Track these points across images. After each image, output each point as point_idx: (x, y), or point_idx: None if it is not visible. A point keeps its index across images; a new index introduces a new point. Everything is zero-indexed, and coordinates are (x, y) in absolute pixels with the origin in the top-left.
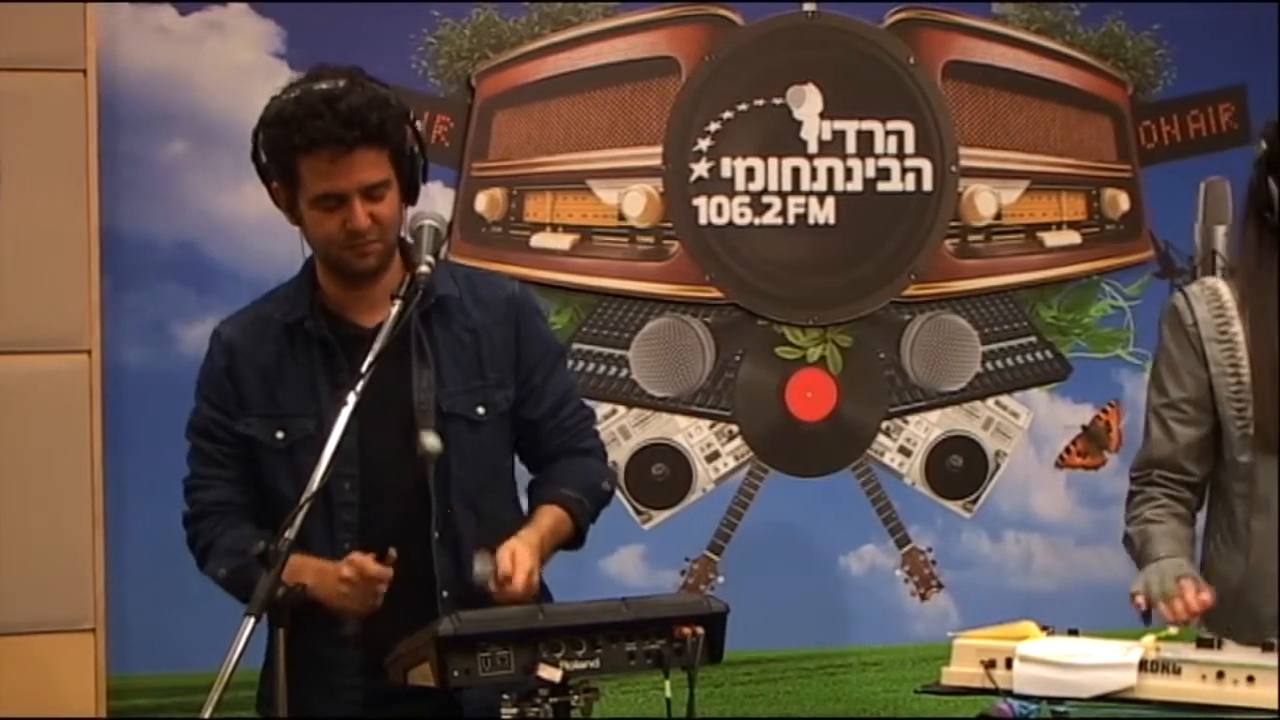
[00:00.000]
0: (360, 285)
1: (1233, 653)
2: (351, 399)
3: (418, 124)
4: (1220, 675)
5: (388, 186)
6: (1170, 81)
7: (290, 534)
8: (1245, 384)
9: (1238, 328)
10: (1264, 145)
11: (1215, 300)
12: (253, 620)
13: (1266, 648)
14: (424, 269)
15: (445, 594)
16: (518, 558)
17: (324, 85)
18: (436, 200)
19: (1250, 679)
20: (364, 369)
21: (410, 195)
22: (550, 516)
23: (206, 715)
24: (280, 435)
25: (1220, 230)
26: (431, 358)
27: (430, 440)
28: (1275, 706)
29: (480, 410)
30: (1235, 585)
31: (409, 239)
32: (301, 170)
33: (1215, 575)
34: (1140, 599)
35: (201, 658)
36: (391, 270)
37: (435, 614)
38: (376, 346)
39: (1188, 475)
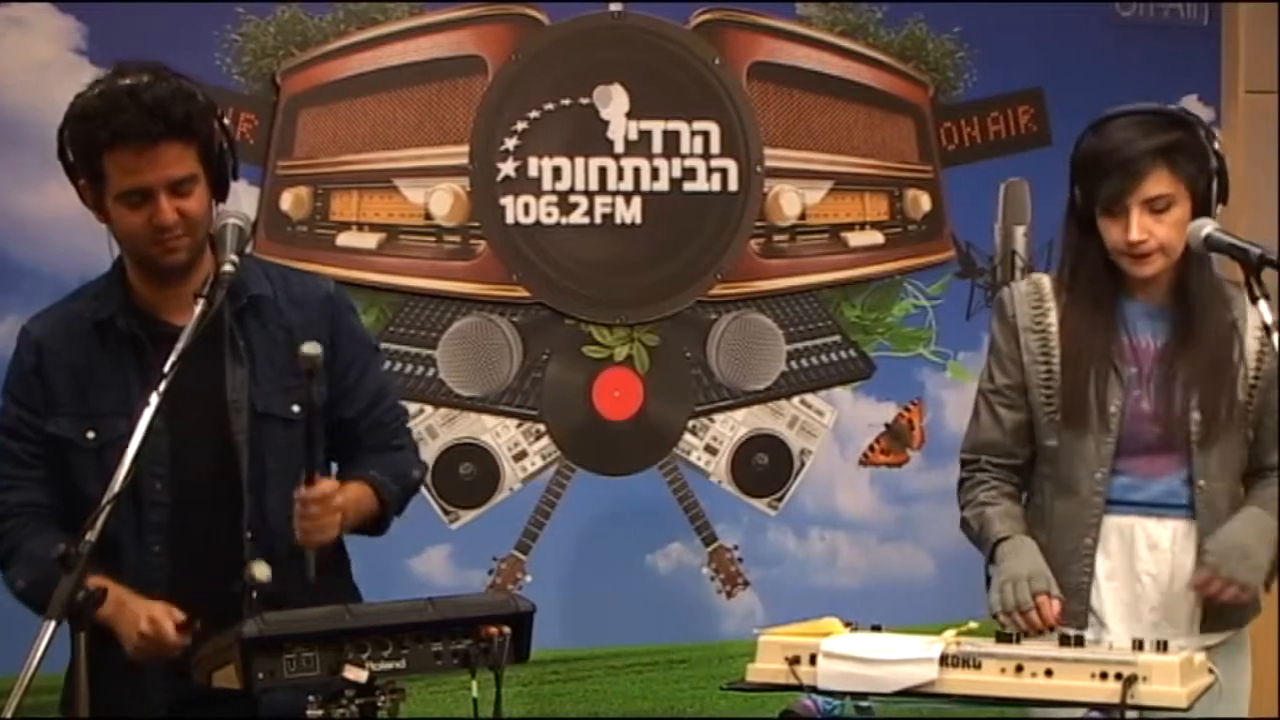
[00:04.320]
0: (170, 282)
1: (1031, 646)
2: (155, 398)
3: (225, 121)
4: (1019, 669)
5: (195, 181)
6: (971, 84)
7: (92, 536)
8: (1054, 372)
9: (1052, 319)
10: (1074, 155)
11: (1036, 293)
12: (53, 624)
13: (1064, 641)
14: (228, 268)
15: (255, 594)
16: (323, 482)
17: (128, 80)
18: (241, 198)
19: (1049, 672)
20: (167, 368)
21: (220, 192)
22: (356, 488)
23: (7, 717)
24: (91, 435)
25: (1019, 230)
26: (246, 356)
27: (260, 571)
28: (1072, 698)
29: (295, 408)
30: None
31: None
32: (107, 166)
33: None
34: (1003, 617)
35: (2, 661)
36: (203, 268)
37: (244, 615)
38: (180, 345)
39: (1014, 458)
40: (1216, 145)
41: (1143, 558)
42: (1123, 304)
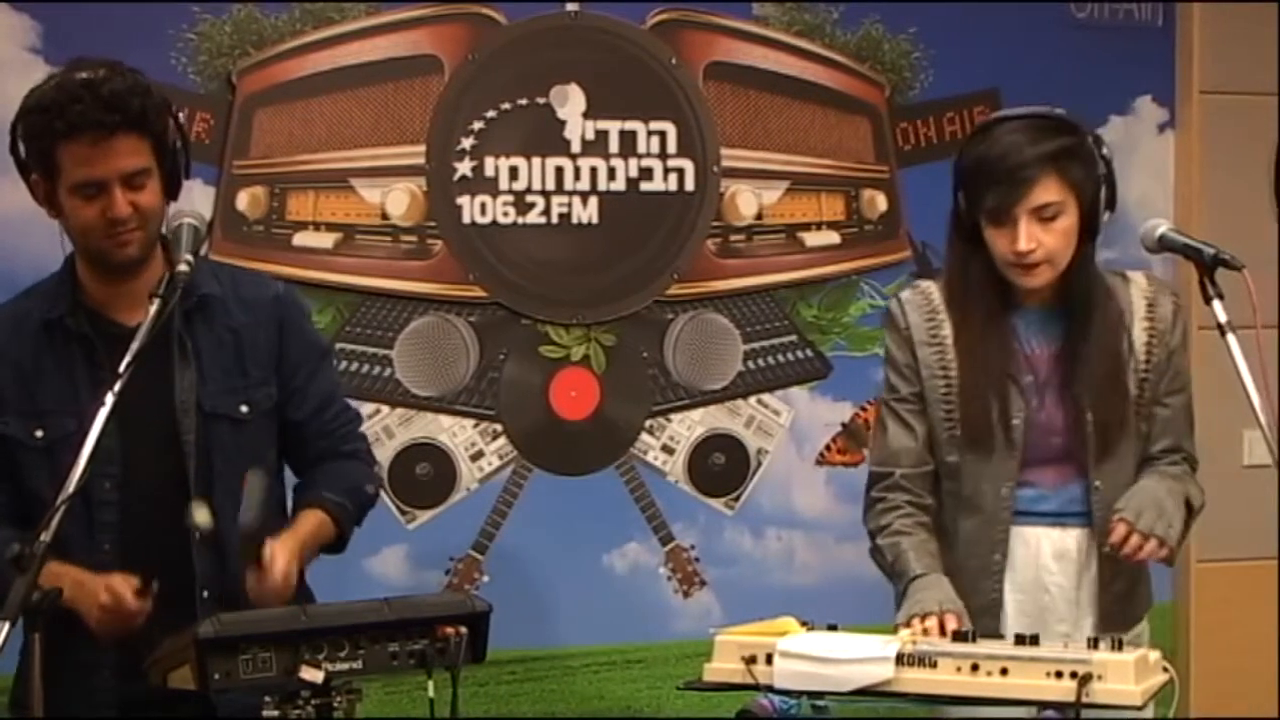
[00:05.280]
0: (122, 279)
1: (987, 645)
2: (110, 399)
3: (179, 118)
4: (975, 668)
5: (149, 175)
6: (927, 84)
7: (46, 536)
8: (953, 386)
9: (947, 331)
10: (957, 162)
11: (927, 304)
12: (7, 625)
13: (1019, 641)
14: (183, 268)
15: (205, 594)
16: (276, 554)
17: (84, 74)
18: (197, 198)
19: (1004, 670)
20: (122, 368)
21: (172, 189)
22: (311, 520)
23: None
24: (39, 434)
25: None
26: (193, 357)
27: (201, 516)
28: (1027, 697)
29: (243, 409)
30: None
31: (169, 237)
32: (61, 157)
33: None
34: (903, 629)
35: None
36: (153, 267)
37: (196, 614)
38: (135, 345)
39: (928, 465)
40: (1105, 151)
41: (1050, 569)
42: (1013, 313)
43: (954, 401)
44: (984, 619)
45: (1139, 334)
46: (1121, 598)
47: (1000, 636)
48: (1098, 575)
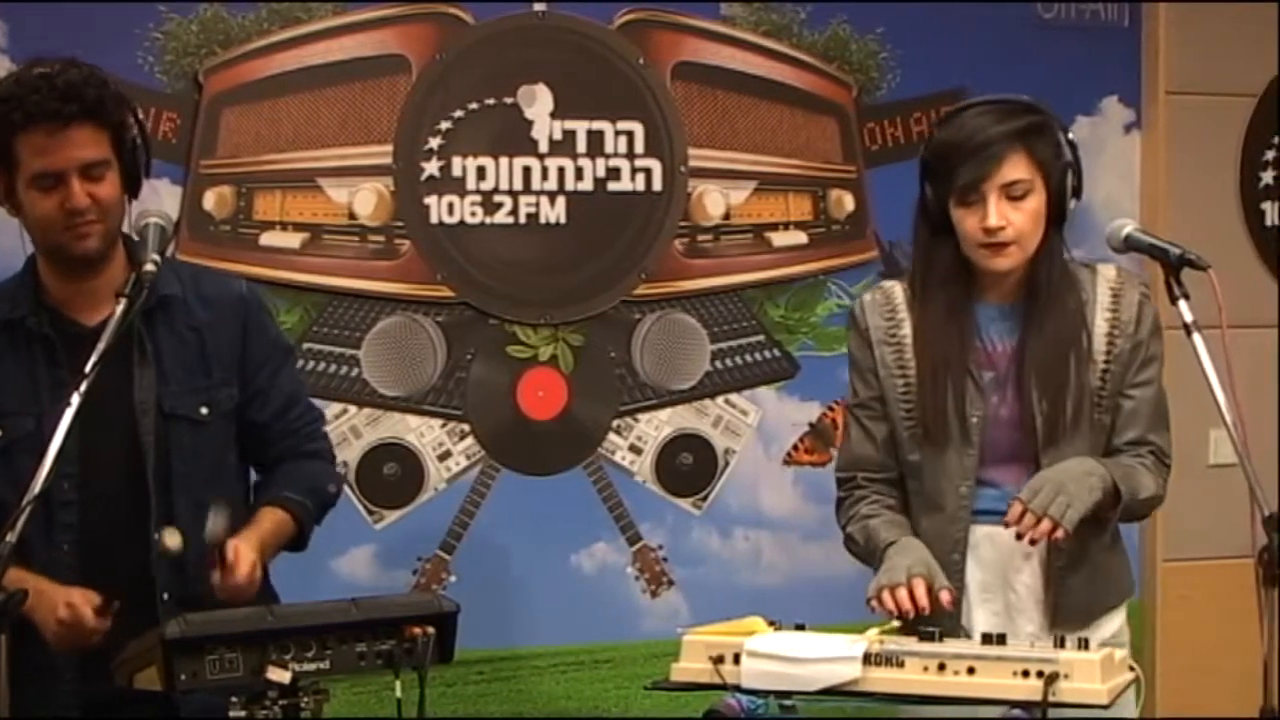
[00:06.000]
0: (83, 276)
1: (954, 645)
2: (75, 399)
3: (139, 114)
4: (942, 667)
5: (107, 167)
6: (894, 84)
7: (11, 537)
8: (912, 384)
9: (906, 329)
10: (924, 152)
11: (888, 304)
12: None
13: (985, 640)
14: (150, 267)
15: (166, 595)
16: (240, 552)
17: (41, 69)
18: (164, 198)
19: (971, 670)
20: (88, 369)
21: (132, 185)
22: (271, 518)
23: None
24: None
25: None
26: (154, 357)
27: (171, 540)
28: (994, 696)
29: (204, 410)
30: None
31: (135, 236)
32: (19, 149)
33: None
34: (874, 602)
35: None
36: (114, 267)
37: (156, 616)
38: (101, 346)
39: (888, 471)
40: (1070, 137)
41: (1017, 567)
42: (975, 309)
43: (912, 400)
44: (946, 620)
45: (1100, 325)
46: (1077, 590)
47: (965, 635)
48: (1048, 567)
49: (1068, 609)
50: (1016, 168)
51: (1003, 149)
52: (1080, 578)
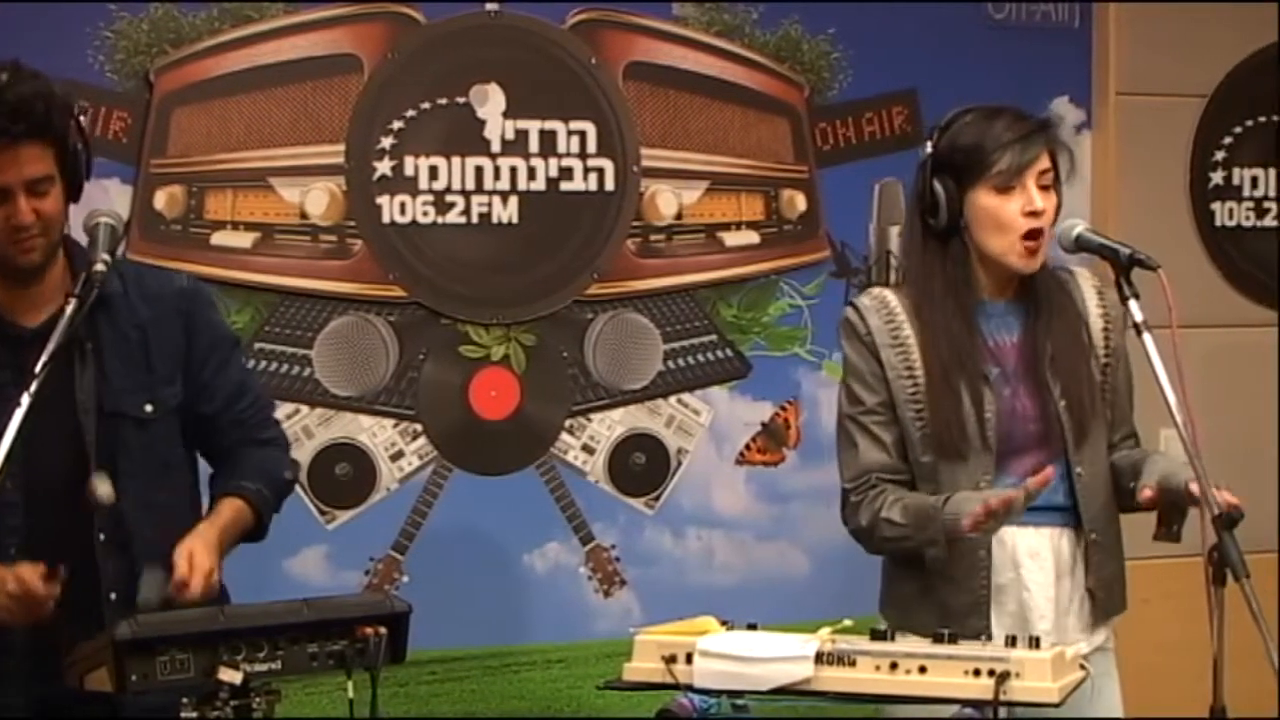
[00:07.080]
0: (24, 283)
1: (906, 643)
2: (26, 399)
3: (83, 119)
4: (894, 666)
5: (52, 182)
6: (845, 84)
7: None
8: (921, 386)
9: (909, 331)
10: (929, 148)
11: (885, 308)
12: None
13: (936, 638)
14: (99, 267)
15: (113, 596)
16: (195, 560)
17: None
18: (114, 198)
19: (923, 669)
20: (38, 369)
21: (75, 193)
22: (230, 509)
23: None
24: None
25: (894, 230)
26: (94, 356)
27: (103, 489)
28: (946, 694)
29: (148, 408)
30: (922, 581)
31: (85, 235)
32: None
33: (902, 570)
34: (966, 520)
35: None
36: (55, 270)
37: (102, 616)
38: (51, 346)
39: (902, 474)
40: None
41: (1028, 566)
42: (975, 310)
43: (922, 401)
44: (971, 618)
45: (1095, 321)
46: (1109, 583)
47: (988, 636)
48: (1084, 564)
49: (1102, 603)
50: (1045, 158)
51: (1040, 138)
52: (1111, 569)
